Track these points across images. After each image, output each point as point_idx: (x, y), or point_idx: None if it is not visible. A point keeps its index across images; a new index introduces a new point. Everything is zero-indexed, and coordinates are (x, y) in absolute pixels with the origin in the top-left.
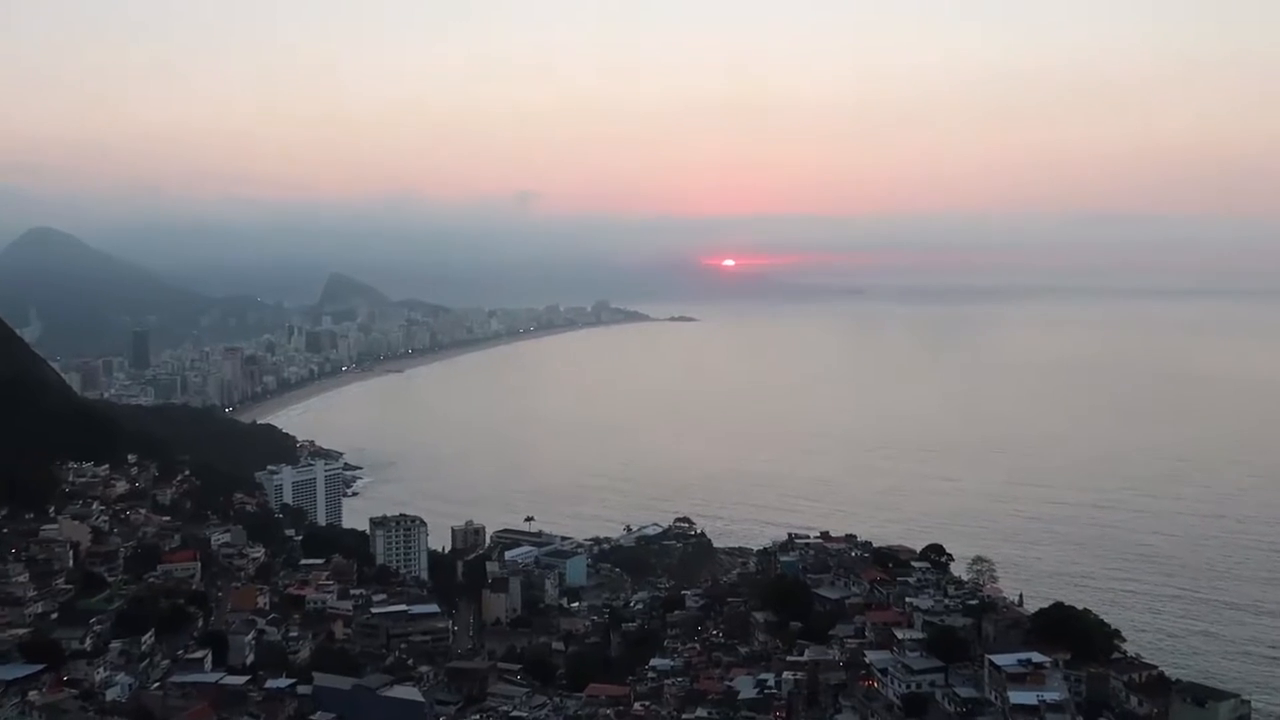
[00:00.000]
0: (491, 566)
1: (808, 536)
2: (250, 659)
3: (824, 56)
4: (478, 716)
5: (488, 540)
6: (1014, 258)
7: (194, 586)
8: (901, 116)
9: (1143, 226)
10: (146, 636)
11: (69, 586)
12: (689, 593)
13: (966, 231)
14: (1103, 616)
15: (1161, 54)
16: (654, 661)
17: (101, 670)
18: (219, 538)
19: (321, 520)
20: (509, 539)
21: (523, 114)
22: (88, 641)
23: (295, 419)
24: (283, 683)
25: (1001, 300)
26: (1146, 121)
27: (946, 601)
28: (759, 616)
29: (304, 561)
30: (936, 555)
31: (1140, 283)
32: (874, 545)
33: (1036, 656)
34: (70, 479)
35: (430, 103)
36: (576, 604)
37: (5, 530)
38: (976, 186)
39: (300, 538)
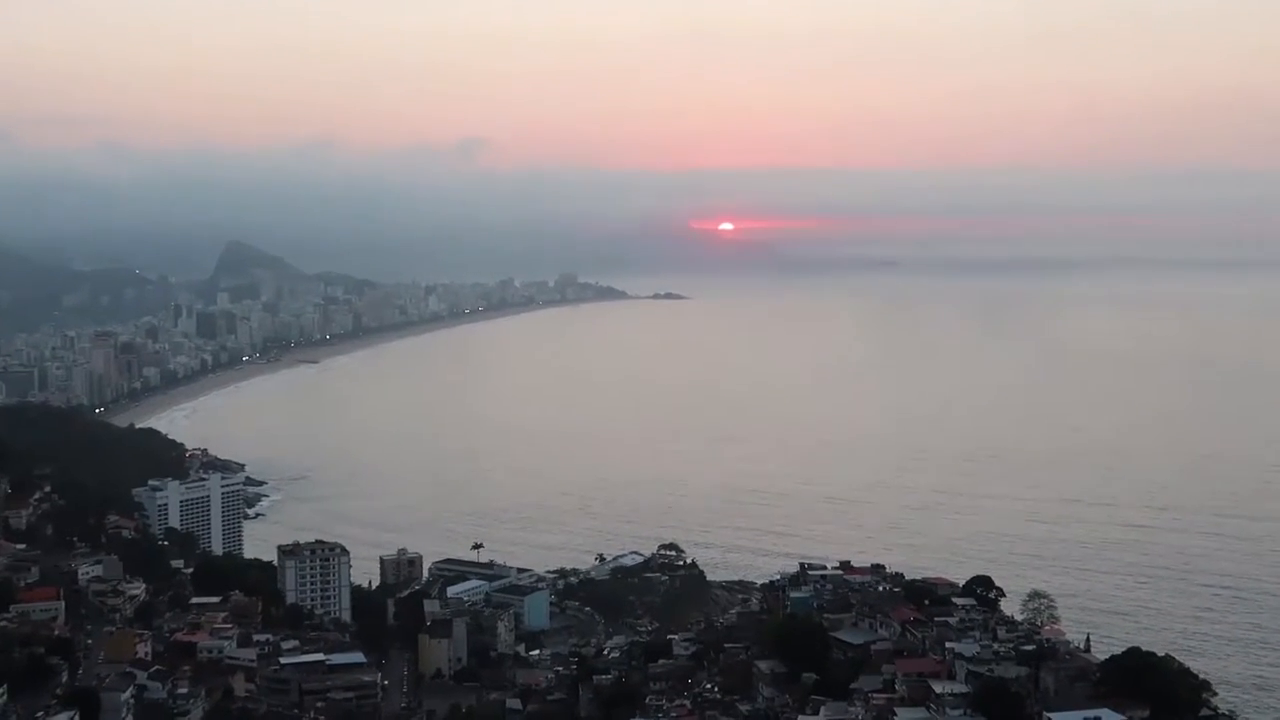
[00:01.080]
0: (431, 606)
1: (824, 567)
2: None
3: None
4: None
5: (426, 573)
6: (1079, 222)
7: (57, 632)
8: (936, 48)
9: (1236, 184)
10: None
11: None
12: (677, 637)
13: (1020, 190)
14: (1187, 664)
15: None
16: None
17: None
18: (88, 571)
19: (217, 548)
20: (452, 571)
21: (469, 43)
22: None
23: (184, 422)
24: None
25: (1063, 274)
26: (1243, 58)
27: (996, 647)
28: (764, 666)
29: (195, 600)
30: (983, 590)
31: (1231, 253)
32: (906, 577)
33: (1108, 714)
34: None
35: (355, 28)
36: (537, 652)
37: None
38: (1031, 135)
39: (190, 570)
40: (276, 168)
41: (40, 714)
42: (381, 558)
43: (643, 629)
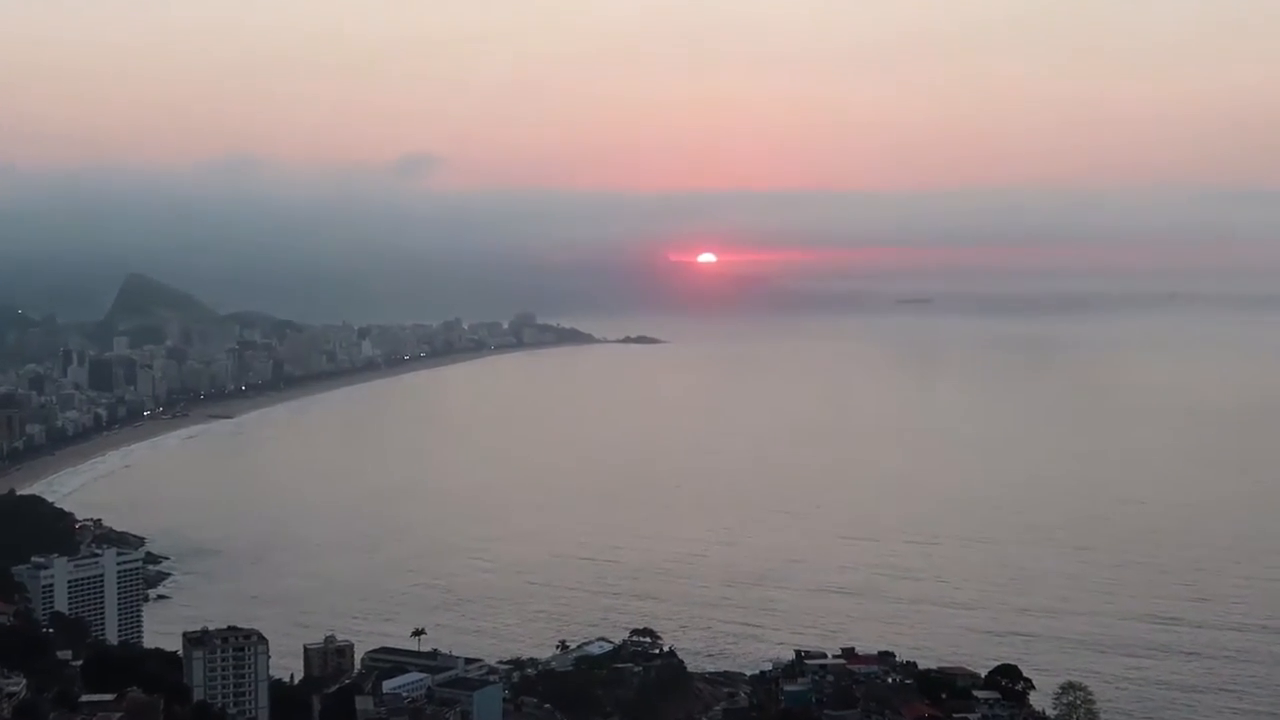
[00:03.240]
0: (364, 703)
1: (824, 656)
2: None
3: None
4: None
5: (358, 664)
6: (1135, 251)
7: None
8: (958, 52)
9: None
10: None
11: None
12: None
13: (1067, 213)
14: None
15: None
16: None
17: None
18: None
19: (112, 637)
20: (389, 662)
21: (415, 47)
22: None
23: (74, 488)
24: None
25: (1118, 311)
26: None
27: None
28: None
29: (86, 698)
30: (1009, 681)
31: None
32: (919, 667)
33: None
34: None
35: (280, 24)
36: None
37: None
38: (1070, 151)
39: (80, 662)
40: (185, 189)
41: None
42: (306, 646)
43: None
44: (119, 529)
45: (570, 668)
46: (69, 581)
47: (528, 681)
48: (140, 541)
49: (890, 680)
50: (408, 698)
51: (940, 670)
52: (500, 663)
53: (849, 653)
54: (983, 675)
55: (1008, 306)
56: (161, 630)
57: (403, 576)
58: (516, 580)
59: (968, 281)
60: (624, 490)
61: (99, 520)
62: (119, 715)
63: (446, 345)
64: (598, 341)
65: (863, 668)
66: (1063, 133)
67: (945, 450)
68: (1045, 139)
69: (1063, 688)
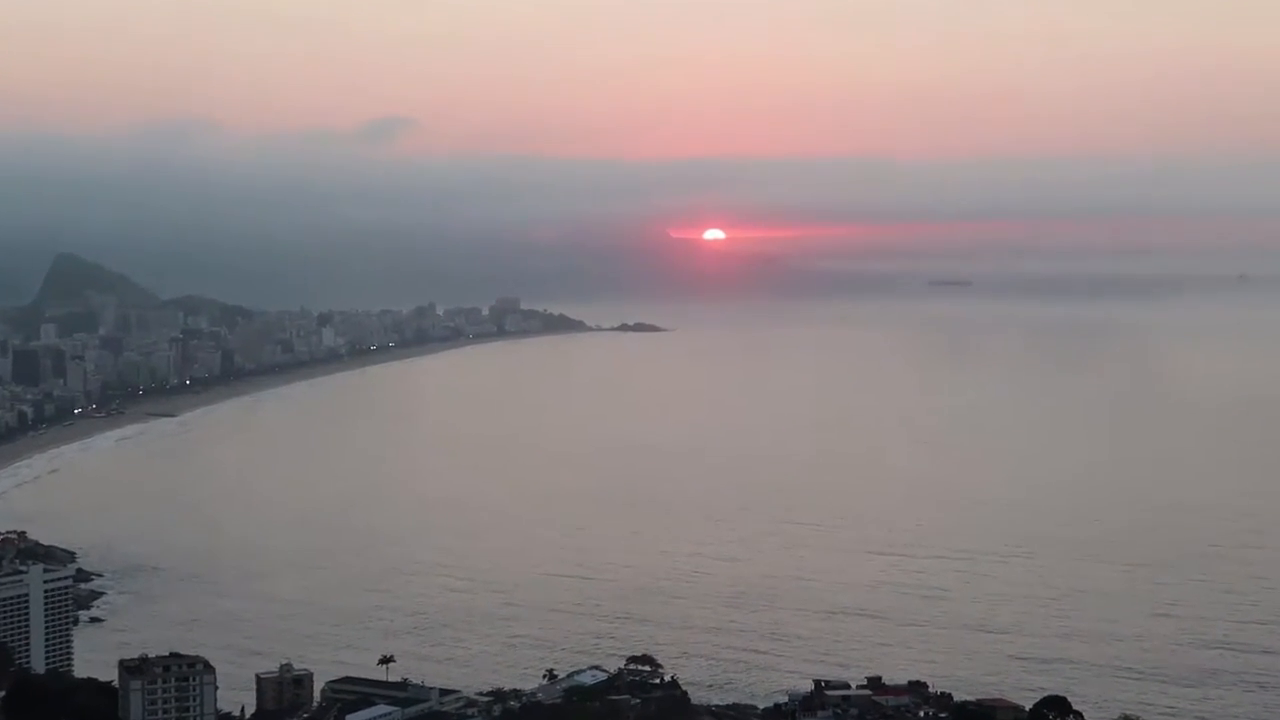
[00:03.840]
0: None
1: (847, 686)
2: None
3: None
4: None
5: (318, 696)
6: (1200, 227)
7: None
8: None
9: None
10: None
11: None
12: None
13: (1124, 184)
14: None
15: None
16: None
17: None
18: None
19: (39, 665)
20: (353, 694)
21: None
22: None
23: None
24: None
25: (1180, 295)
26: None
27: None
28: None
29: None
30: (1056, 714)
31: None
32: (955, 699)
33: None
34: None
35: None
36: None
37: None
38: (1124, 115)
39: (3, 694)
40: (122, 158)
41: None
42: (258, 676)
43: None
44: (46, 542)
45: (559, 700)
46: None
47: (511, 715)
48: (70, 557)
49: (923, 714)
50: None
51: (979, 703)
52: (480, 694)
53: (875, 683)
54: (1027, 708)
55: (1056, 289)
56: (95, 657)
57: (367, 596)
58: (496, 600)
59: (1012, 261)
60: (619, 498)
61: (23, 533)
62: None
63: (419, 334)
64: (590, 330)
65: (891, 699)
66: (1124, 93)
67: (981, 453)
68: (1103, 100)
69: None
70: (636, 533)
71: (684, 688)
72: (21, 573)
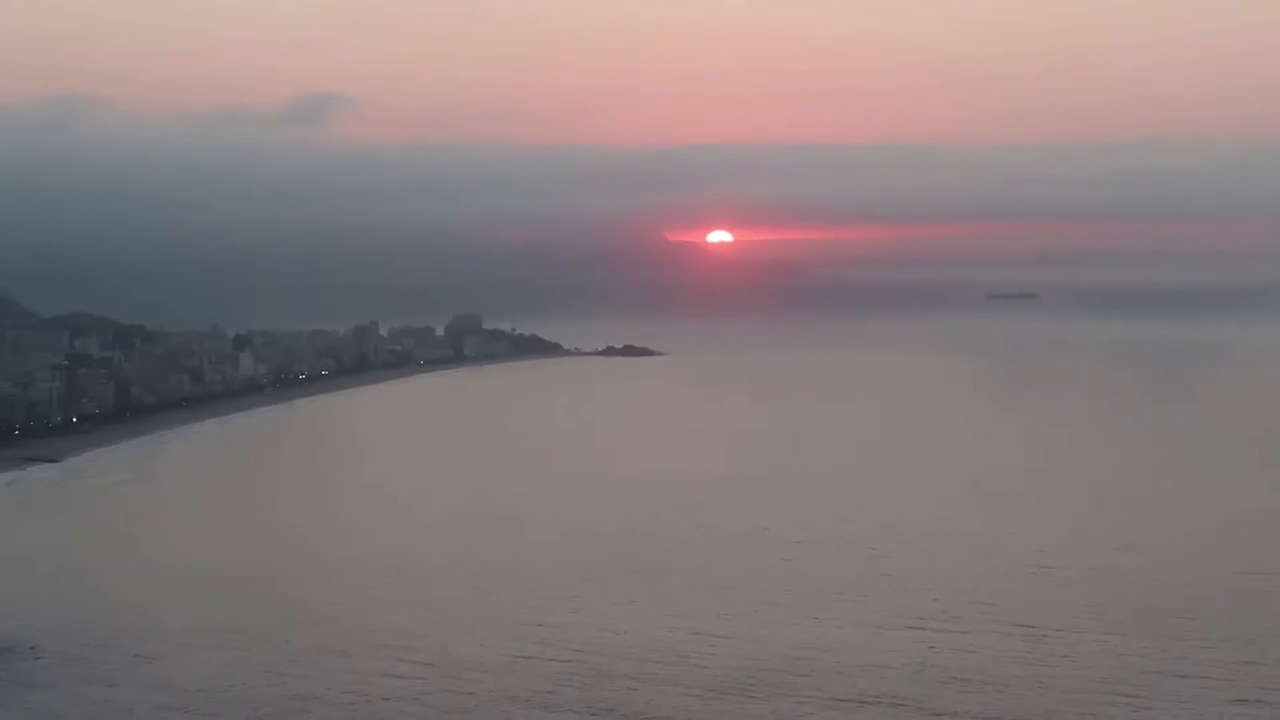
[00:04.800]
0: None
1: None
2: None
3: None
4: None
5: None
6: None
7: None
8: None
9: None
10: None
11: None
12: None
13: (1227, 177)
14: None
15: None
16: None
17: None
18: None
19: None
20: None
21: None
22: None
23: None
24: None
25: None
26: None
27: None
28: None
29: None
30: None
31: None
32: None
33: None
34: None
35: None
36: None
37: None
38: (1224, 98)
39: None
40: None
41: None
42: None
43: None
44: None
45: None
46: None
47: None
48: None
49: None
50: None
51: None
52: None
53: None
54: None
55: (1147, 303)
56: None
57: (288, 683)
58: (448, 685)
59: (1088, 269)
60: (598, 562)
61: None
62: None
63: (358, 360)
64: (568, 354)
65: None
66: (1222, 70)
67: (1048, 506)
68: (1197, 78)
69: None
70: (613, 603)
71: None
72: None
